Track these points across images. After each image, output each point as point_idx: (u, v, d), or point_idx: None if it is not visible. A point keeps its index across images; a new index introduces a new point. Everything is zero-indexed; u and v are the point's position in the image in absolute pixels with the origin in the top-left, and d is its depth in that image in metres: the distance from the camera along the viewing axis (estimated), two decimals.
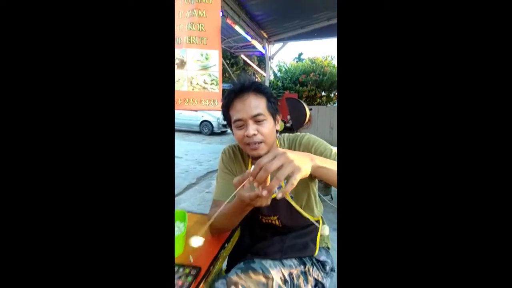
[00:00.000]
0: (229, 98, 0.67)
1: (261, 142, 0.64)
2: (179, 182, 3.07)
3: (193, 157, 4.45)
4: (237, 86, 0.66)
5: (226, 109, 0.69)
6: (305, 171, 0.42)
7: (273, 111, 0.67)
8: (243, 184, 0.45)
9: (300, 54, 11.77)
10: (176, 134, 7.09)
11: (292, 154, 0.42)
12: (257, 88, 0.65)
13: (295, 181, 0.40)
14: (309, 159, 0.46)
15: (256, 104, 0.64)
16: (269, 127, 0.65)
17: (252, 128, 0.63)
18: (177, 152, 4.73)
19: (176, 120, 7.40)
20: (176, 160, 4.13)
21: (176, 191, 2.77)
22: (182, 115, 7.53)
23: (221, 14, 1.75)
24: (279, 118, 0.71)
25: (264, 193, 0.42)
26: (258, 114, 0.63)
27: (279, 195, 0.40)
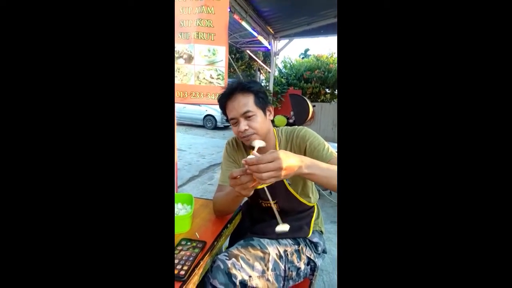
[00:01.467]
0: (222, 101, 0.76)
1: (253, 134, 0.72)
2: (183, 174, 3.16)
3: (196, 151, 4.53)
4: (226, 90, 0.75)
5: (223, 109, 0.78)
6: (286, 177, 0.50)
7: (262, 104, 0.74)
8: (237, 175, 0.53)
9: (306, 50, 11.71)
10: (180, 128, 7.18)
11: (287, 166, 0.49)
12: (243, 88, 0.73)
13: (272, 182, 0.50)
14: (297, 169, 0.52)
15: (244, 102, 0.71)
16: (259, 120, 0.73)
17: (243, 124, 0.71)
18: (181, 145, 4.82)
19: (180, 114, 7.47)
20: (179, 153, 4.21)
21: (180, 182, 2.86)
22: (186, 109, 7.60)
23: (228, 9, 1.80)
24: (271, 108, 0.79)
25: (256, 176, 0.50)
26: (247, 111, 0.71)
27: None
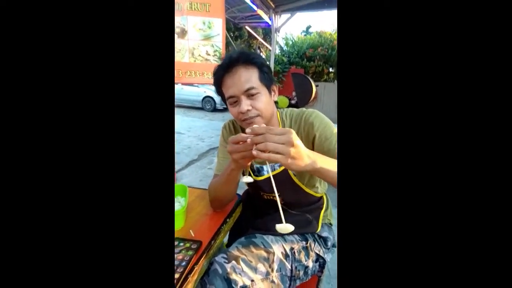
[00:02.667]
0: (218, 75, 0.62)
1: (256, 116, 0.60)
2: (181, 158, 3.09)
3: (195, 134, 4.44)
4: (225, 61, 0.61)
5: (218, 86, 0.65)
6: (292, 166, 0.43)
7: (267, 81, 0.62)
8: (242, 140, 0.46)
9: (308, 27, 11.16)
10: (178, 110, 7.02)
11: (298, 145, 0.42)
12: (246, 59, 0.60)
13: (274, 161, 0.42)
14: (309, 161, 0.44)
15: (246, 77, 0.59)
16: (264, 100, 0.61)
17: (245, 104, 0.59)
18: (179, 128, 4.71)
19: (178, 96, 7.28)
20: (178, 136, 4.12)
21: (178, 167, 2.79)
22: (184, 91, 7.37)
23: None
24: (275, 88, 0.67)
25: (255, 152, 0.42)
26: (250, 88, 0.59)
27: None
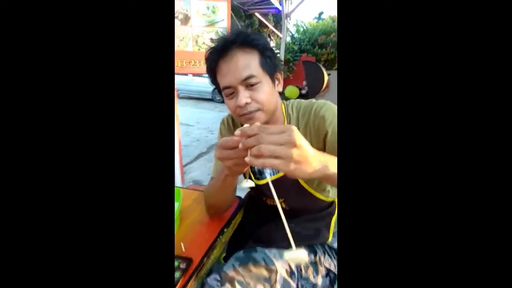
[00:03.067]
0: (212, 60, 0.52)
1: (257, 110, 0.50)
2: (190, 150, 3.05)
3: (205, 126, 4.39)
4: (219, 43, 0.51)
5: (212, 74, 0.54)
6: (296, 173, 0.33)
7: (270, 68, 0.51)
8: (233, 145, 0.37)
9: (320, 13, 10.69)
10: (188, 102, 7.00)
11: (302, 145, 0.33)
12: (245, 41, 0.49)
13: (272, 167, 0.33)
14: (318, 166, 0.35)
15: (245, 63, 0.49)
16: (266, 91, 0.50)
17: (243, 96, 0.49)
18: (189, 120, 4.68)
19: (187, 87, 7.26)
20: (187, 128, 4.09)
21: (187, 160, 2.76)
22: (194, 82, 7.31)
23: None
24: (280, 76, 0.56)
25: (247, 159, 0.34)
26: (249, 77, 0.48)
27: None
